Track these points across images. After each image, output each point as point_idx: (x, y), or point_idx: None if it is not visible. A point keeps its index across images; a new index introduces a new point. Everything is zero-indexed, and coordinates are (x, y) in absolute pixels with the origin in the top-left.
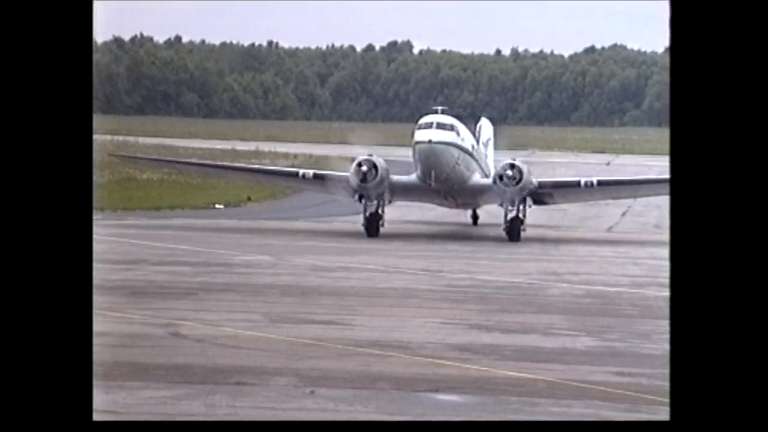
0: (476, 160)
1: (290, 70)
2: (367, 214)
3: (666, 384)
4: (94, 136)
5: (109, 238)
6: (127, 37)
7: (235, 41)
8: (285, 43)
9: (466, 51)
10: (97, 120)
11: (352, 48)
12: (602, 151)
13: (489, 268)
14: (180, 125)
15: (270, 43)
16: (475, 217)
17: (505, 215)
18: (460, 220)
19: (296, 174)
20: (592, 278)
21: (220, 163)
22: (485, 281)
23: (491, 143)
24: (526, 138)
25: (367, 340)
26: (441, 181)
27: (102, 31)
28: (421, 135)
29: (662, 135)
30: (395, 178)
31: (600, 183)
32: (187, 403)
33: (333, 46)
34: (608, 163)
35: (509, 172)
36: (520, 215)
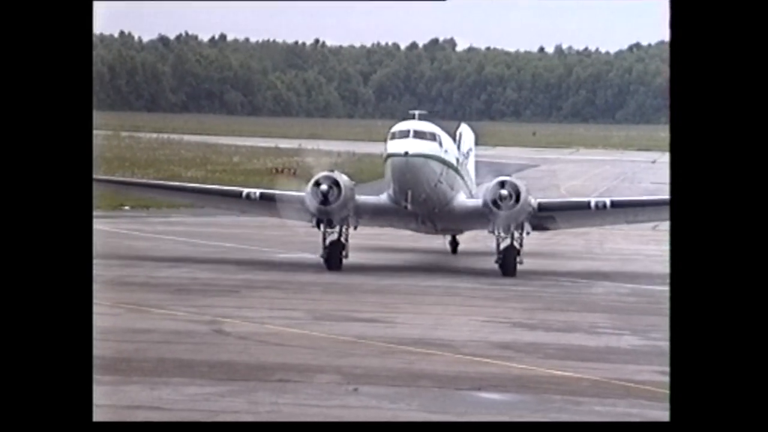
0: (462, 177)
1: (333, 68)
2: (328, 243)
3: None
4: (139, 134)
5: (155, 235)
6: (172, 36)
7: (279, 39)
8: (329, 42)
9: (510, 49)
10: (143, 118)
11: (396, 46)
12: (648, 149)
13: (532, 265)
14: (224, 123)
15: (316, 41)
16: (454, 244)
17: (498, 244)
18: (437, 247)
19: (240, 194)
20: (637, 277)
21: (154, 182)
22: (528, 279)
23: (473, 155)
24: (570, 136)
25: (410, 338)
26: (419, 203)
27: (147, 30)
28: (395, 146)
29: None
30: (362, 198)
31: (614, 204)
32: (230, 400)
33: (378, 44)
34: (654, 161)
35: (503, 192)
36: (516, 244)
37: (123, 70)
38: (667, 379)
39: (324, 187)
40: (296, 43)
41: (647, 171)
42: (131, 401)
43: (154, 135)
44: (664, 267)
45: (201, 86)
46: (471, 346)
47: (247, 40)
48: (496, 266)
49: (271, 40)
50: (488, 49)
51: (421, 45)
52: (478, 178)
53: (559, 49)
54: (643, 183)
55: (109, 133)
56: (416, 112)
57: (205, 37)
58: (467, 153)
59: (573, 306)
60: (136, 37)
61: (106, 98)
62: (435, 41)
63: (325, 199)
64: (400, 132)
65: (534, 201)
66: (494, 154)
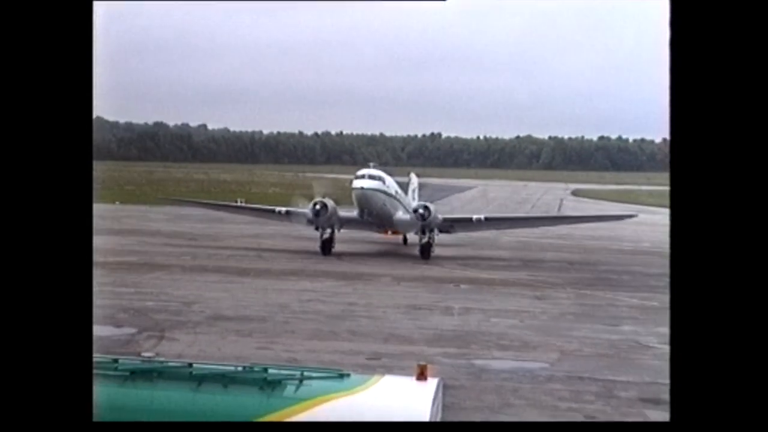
0: (400, 201)
1: (388, 146)
2: (323, 239)
3: (556, 281)
4: (302, 174)
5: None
6: (320, 132)
7: (363, 132)
8: (387, 133)
9: (464, 137)
10: (301, 168)
11: (415, 135)
12: (526, 180)
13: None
14: (342, 170)
15: (381, 133)
16: (405, 239)
17: (420, 240)
18: (393, 240)
19: (273, 211)
20: (522, 233)
21: (229, 203)
22: (471, 236)
23: (416, 191)
24: (492, 175)
25: (422, 260)
26: (374, 217)
27: (307, 127)
28: (356, 183)
29: (549, 174)
30: (342, 213)
31: (487, 219)
32: (344, 288)
33: (408, 135)
34: (525, 185)
35: (421, 211)
36: (430, 241)
37: (298, 148)
38: (531, 277)
39: (318, 207)
40: (371, 134)
41: (523, 190)
42: (302, 288)
43: (310, 174)
44: (538, 230)
45: (331, 154)
46: (451, 261)
47: (351, 133)
48: (418, 253)
49: (363, 133)
50: (456, 137)
51: (427, 134)
52: (442, 192)
53: (485, 137)
54: (521, 194)
55: (289, 174)
56: (371, 164)
57: (333, 131)
58: (414, 190)
59: (492, 246)
60: (297, 132)
61: (295, 161)
62: (432, 133)
63: (318, 213)
64: (360, 175)
65: (440, 216)
66: (456, 182)
